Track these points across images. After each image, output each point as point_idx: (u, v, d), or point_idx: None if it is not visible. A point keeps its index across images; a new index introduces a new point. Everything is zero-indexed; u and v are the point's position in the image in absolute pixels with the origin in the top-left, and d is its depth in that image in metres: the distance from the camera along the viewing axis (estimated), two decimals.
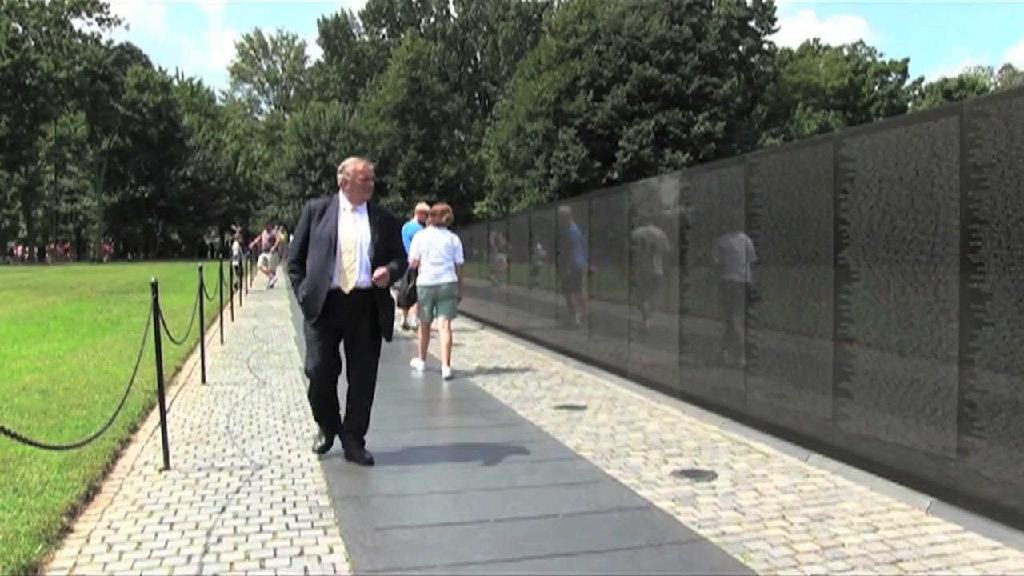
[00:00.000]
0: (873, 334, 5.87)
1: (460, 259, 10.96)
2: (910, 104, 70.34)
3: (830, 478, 5.96)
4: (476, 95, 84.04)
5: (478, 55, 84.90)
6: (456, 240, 11.01)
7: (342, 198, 6.51)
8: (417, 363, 11.40)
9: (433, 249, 10.78)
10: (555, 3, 77.47)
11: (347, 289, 6.29)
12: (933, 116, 5.48)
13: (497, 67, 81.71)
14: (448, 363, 10.73)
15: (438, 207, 11.35)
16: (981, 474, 4.98)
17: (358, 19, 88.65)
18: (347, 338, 6.46)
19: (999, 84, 68.54)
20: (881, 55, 76.90)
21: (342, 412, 6.71)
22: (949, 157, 5.21)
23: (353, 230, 6.37)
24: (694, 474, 6.09)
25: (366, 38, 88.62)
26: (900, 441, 5.60)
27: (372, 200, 6.70)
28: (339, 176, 6.53)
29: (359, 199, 6.50)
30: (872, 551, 4.59)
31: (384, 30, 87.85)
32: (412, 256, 10.72)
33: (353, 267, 6.29)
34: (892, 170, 5.68)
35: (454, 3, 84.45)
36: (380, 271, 6.30)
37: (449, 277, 10.82)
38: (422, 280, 10.87)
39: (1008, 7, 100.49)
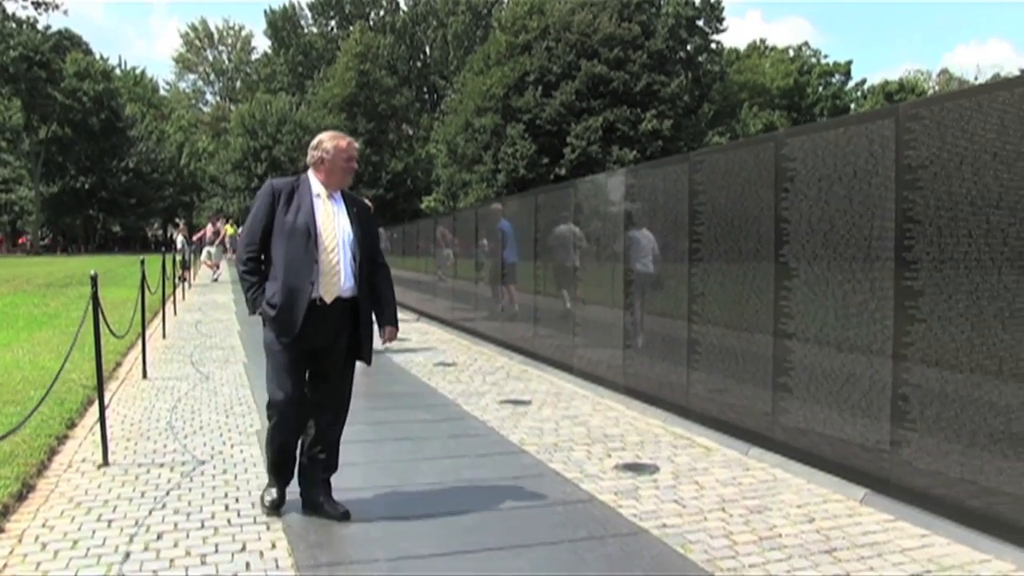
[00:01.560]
0: (812, 330, 6.00)
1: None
2: (852, 105, 71.51)
3: (770, 471, 6.08)
4: (425, 89, 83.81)
5: (427, 49, 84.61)
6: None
7: (314, 181, 5.06)
8: None
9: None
10: None
11: (329, 298, 4.88)
12: (870, 118, 5.62)
13: (446, 61, 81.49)
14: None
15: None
16: (913, 465, 5.12)
17: (306, 11, 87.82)
18: (320, 361, 5.01)
19: (937, 88, 70.04)
20: (826, 57, 78.09)
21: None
22: (885, 158, 5.34)
23: (333, 222, 4.98)
24: (636, 468, 6.17)
25: (314, 30, 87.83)
26: (837, 434, 5.73)
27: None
28: (312, 153, 5.10)
29: (337, 184, 5.10)
30: (808, 541, 4.71)
31: (333, 22, 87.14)
32: None
33: (336, 270, 4.90)
34: (831, 170, 5.81)
35: None
36: (389, 330, 5.21)
37: None
38: None
39: (946, 14, 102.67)
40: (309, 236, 4.84)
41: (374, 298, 5.17)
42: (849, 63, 74.95)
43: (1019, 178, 4.47)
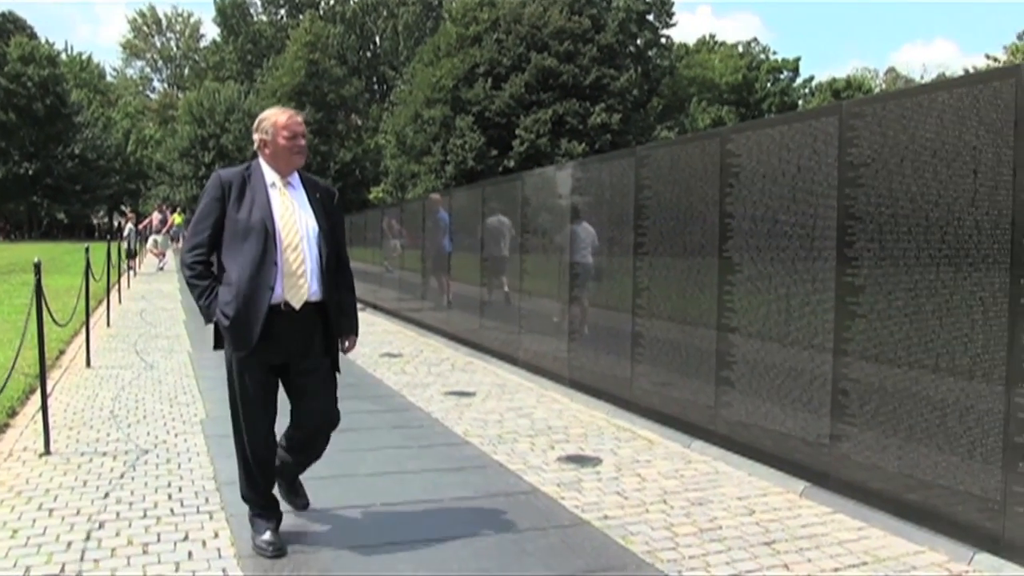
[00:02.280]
0: (755, 325, 6.05)
1: None
2: (800, 102, 72.37)
3: (711, 464, 6.13)
4: (374, 80, 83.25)
5: (377, 39, 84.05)
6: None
7: (265, 169, 4.40)
8: None
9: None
10: None
11: (297, 303, 4.27)
12: (814, 115, 5.68)
13: (396, 52, 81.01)
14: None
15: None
16: (851, 459, 5.19)
17: None
18: (293, 374, 4.44)
19: (883, 85, 71.20)
20: (775, 53, 78.92)
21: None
22: (828, 155, 5.40)
23: (293, 215, 4.32)
24: (580, 460, 6.19)
25: (264, 18, 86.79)
26: (778, 428, 5.79)
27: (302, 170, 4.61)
28: (255, 136, 4.45)
29: (287, 168, 4.41)
30: (747, 533, 4.75)
31: (283, 11, 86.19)
32: None
33: (302, 270, 4.27)
34: (775, 166, 5.86)
35: None
36: (351, 339, 4.67)
37: None
38: None
39: (894, 14, 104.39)
40: (267, 234, 4.18)
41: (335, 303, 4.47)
42: (797, 60, 75.84)
43: (957, 177, 4.55)
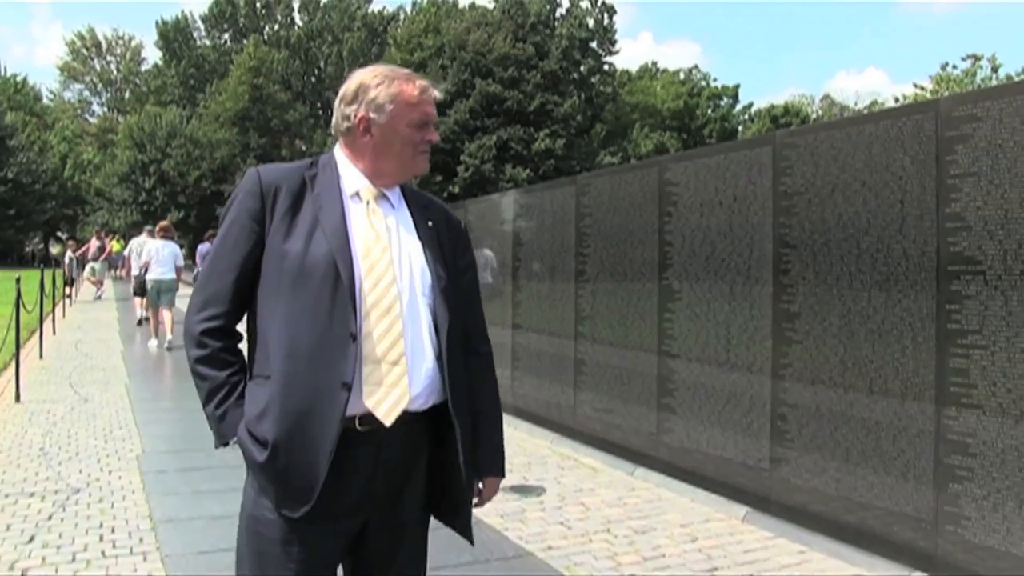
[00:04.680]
0: (695, 351, 6.13)
1: (180, 263, 15.29)
2: (740, 128, 73.49)
3: (655, 491, 6.17)
4: (319, 105, 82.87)
5: (322, 64, 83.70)
6: (177, 249, 15.58)
7: (346, 168, 2.53)
8: (152, 343, 14.82)
9: (160, 255, 14.87)
10: (401, 16, 77.33)
11: (388, 416, 2.32)
12: (749, 145, 5.80)
13: (341, 77, 79.78)
14: (171, 332, 14.22)
15: (163, 224, 15.92)
16: (791, 482, 5.27)
17: (199, 23, 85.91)
18: (371, 534, 2.46)
19: (820, 112, 72.59)
20: (715, 80, 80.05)
21: None
22: (763, 184, 5.51)
23: (388, 250, 2.44)
24: (523, 490, 6.19)
25: (207, 42, 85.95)
26: (720, 453, 5.86)
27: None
28: (347, 109, 2.52)
29: (398, 175, 2.57)
30: (691, 560, 4.79)
31: (226, 35, 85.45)
32: (143, 259, 15.31)
33: (399, 352, 2.36)
34: (712, 195, 5.96)
35: (299, 11, 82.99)
36: (488, 483, 2.68)
37: (171, 275, 14.89)
38: (152, 276, 14.82)
39: (827, 44, 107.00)
40: (338, 282, 2.31)
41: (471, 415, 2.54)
42: (737, 87, 77.08)
43: (886, 206, 4.67)
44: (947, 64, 42.37)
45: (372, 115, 2.46)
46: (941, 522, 4.35)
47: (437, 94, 2.56)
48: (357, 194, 2.47)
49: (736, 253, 5.73)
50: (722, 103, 77.96)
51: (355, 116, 2.48)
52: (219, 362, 2.38)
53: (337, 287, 2.29)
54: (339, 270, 2.29)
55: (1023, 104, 4.07)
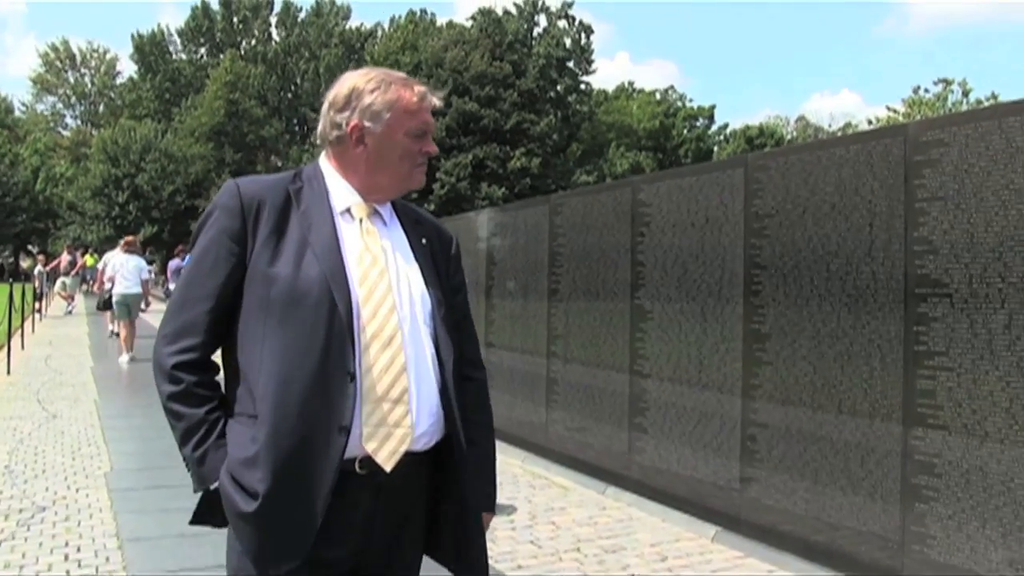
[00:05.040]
0: (666, 371, 6.16)
1: (145, 276, 15.73)
2: (716, 148, 74.01)
3: (625, 510, 6.18)
4: (295, 121, 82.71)
5: (299, 80, 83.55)
6: (143, 263, 15.95)
7: (335, 181, 2.28)
8: (122, 358, 14.82)
9: (125, 269, 15.11)
10: (378, 33, 77.43)
11: (389, 460, 2.09)
12: (721, 167, 5.86)
13: (318, 93, 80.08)
14: (131, 348, 14.74)
15: (128, 239, 16.20)
16: (761, 502, 5.30)
17: (175, 36, 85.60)
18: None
19: (794, 133, 73.23)
20: (691, 100, 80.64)
21: None
22: (735, 206, 5.56)
23: (386, 274, 2.20)
24: None
25: (183, 56, 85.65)
26: (691, 473, 5.88)
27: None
28: (335, 119, 2.25)
29: (393, 190, 2.33)
30: None
31: (203, 49, 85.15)
32: (108, 274, 15.60)
33: (402, 389, 2.12)
34: (685, 216, 6.01)
35: (276, 27, 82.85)
36: (484, 518, 2.43)
37: (136, 289, 15.21)
38: (118, 290, 15.06)
39: (802, 66, 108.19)
40: (333, 312, 2.07)
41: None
42: (712, 107, 77.65)
43: (855, 229, 4.73)
44: (919, 88, 42.90)
45: (367, 123, 2.21)
46: (907, 541, 4.39)
47: (436, 101, 2.35)
48: (348, 211, 2.23)
49: (708, 274, 5.77)
50: (698, 123, 78.51)
51: (347, 124, 2.22)
52: (195, 398, 2.11)
53: (333, 317, 2.05)
54: (335, 297, 2.06)
55: (988, 130, 4.14)
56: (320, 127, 2.30)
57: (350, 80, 2.28)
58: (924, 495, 4.32)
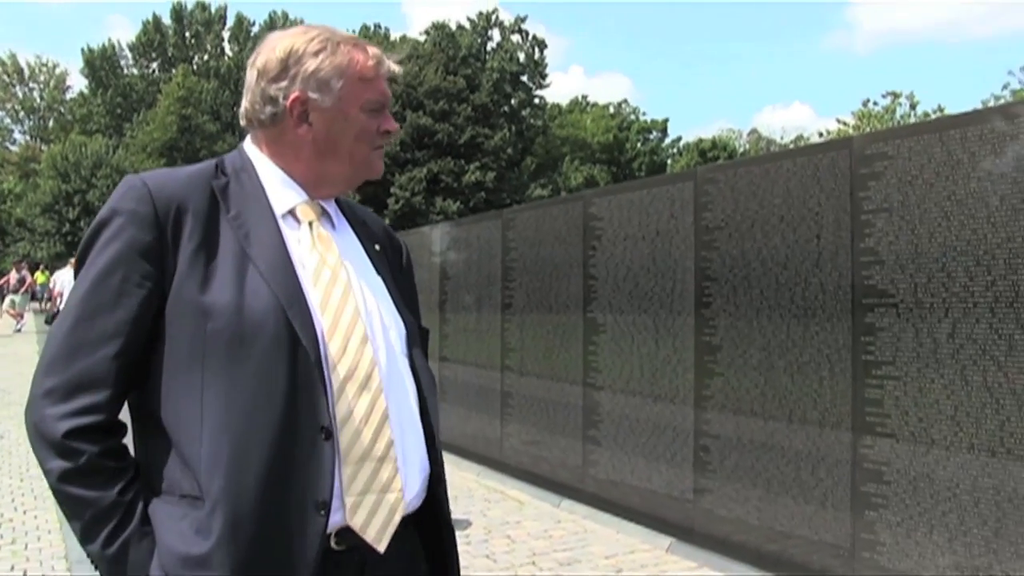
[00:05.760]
0: (619, 383, 6.18)
1: None
2: (669, 161, 74.62)
3: (580, 523, 6.19)
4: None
5: None
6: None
7: (270, 174, 1.74)
8: None
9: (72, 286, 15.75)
10: None
11: (382, 541, 1.62)
12: (671, 180, 5.92)
13: None
14: None
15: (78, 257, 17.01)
16: (715, 513, 5.33)
17: (127, 51, 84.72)
18: None
19: (747, 145, 74.12)
20: (644, 114, 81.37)
21: None
22: (685, 219, 5.61)
23: (348, 294, 1.68)
24: None
25: (135, 71, 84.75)
26: (645, 485, 5.90)
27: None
28: (272, 88, 1.70)
29: (346, 181, 1.83)
30: None
31: (155, 64, 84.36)
32: (57, 290, 15.55)
33: (387, 442, 1.64)
34: (636, 229, 6.05)
35: (229, 41, 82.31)
36: None
37: None
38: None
39: (754, 79, 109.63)
40: (296, 348, 1.58)
41: None
42: (666, 120, 78.35)
43: (803, 241, 4.79)
44: (868, 100, 43.57)
45: (312, 95, 1.70)
46: (858, 549, 4.44)
47: (394, 67, 1.83)
48: (292, 213, 1.72)
49: (659, 286, 5.81)
50: (651, 136, 79.18)
51: (286, 97, 1.70)
52: (102, 475, 1.54)
53: (296, 355, 1.55)
54: (295, 329, 1.55)
55: (930, 143, 4.22)
56: (246, 104, 1.78)
57: (284, 40, 1.73)
58: (873, 503, 4.38)
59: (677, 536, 5.58)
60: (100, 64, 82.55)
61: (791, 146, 48.30)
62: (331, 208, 1.83)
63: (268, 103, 1.72)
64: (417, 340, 1.85)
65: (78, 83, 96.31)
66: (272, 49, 1.73)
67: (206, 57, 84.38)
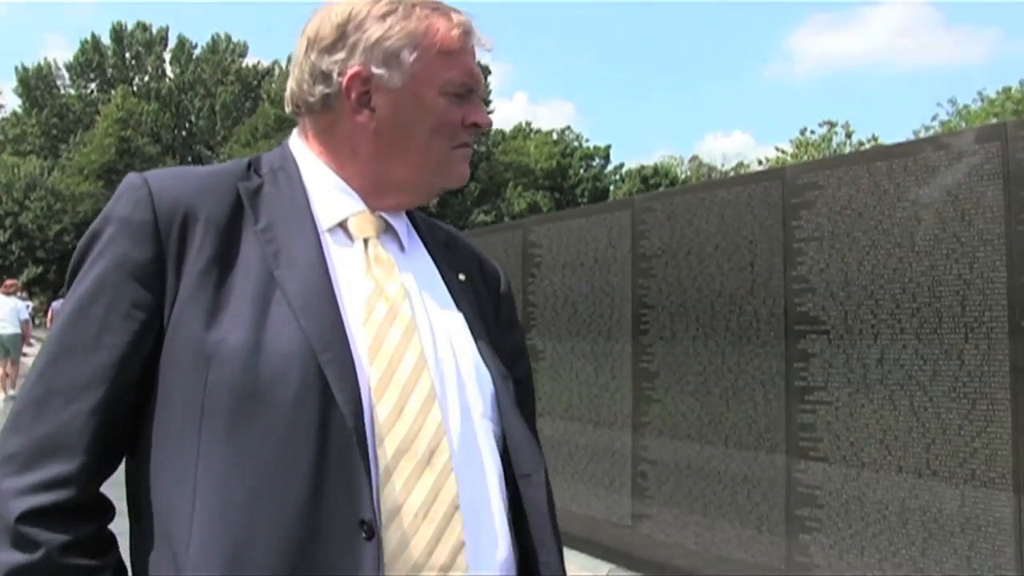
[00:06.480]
0: (559, 409, 6.22)
1: (24, 317, 15.83)
2: (611, 187, 75.28)
3: None
4: (190, 159, 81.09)
5: (193, 118, 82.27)
6: (20, 303, 16.12)
7: (317, 176, 1.33)
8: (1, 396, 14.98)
9: (2, 311, 15.25)
10: (276, 71, 76.87)
11: None
12: (609, 208, 6.01)
13: (213, 131, 79.58)
14: (15, 388, 14.23)
15: (8, 282, 16.43)
16: (653, 538, 5.38)
17: (63, 71, 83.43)
18: None
19: (688, 173, 75.05)
20: (587, 140, 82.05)
21: None
22: (623, 246, 5.69)
23: (411, 335, 1.24)
24: None
25: (72, 91, 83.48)
26: (584, 511, 5.93)
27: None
28: (327, 61, 1.30)
29: (418, 188, 1.40)
30: None
31: (93, 85, 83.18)
32: None
33: (455, 545, 1.18)
34: (574, 256, 6.11)
35: (171, 63, 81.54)
36: None
37: (11, 330, 15.28)
38: None
39: (696, 107, 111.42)
40: (330, 409, 1.13)
41: None
42: (608, 147, 79.08)
43: (737, 269, 4.88)
44: (806, 129, 44.41)
45: (376, 70, 1.29)
46: (793, 571, 4.50)
47: (486, 40, 1.39)
48: (343, 226, 1.32)
49: (597, 314, 5.87)
50: (594, 163, 79.83)
51: (340, 73, 1.30)
52: (66, 567, 1.12)
53: (327, 420, 1.13)
54: (330, 384, 1.14)
55: (858, 174, 4.34)
56: (292, 84, 1.38)
57: (343, 4, 1.33)
58: (807, 525, 4.45)
59: (616, 562, 5.60)
60: (35, 83, 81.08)
61: (731, 173, 49.14)
62: (399, 224, 1.40)
63: (319, 81, 1.32)
64: (510, 398, 1.34)
65: (11, 102, 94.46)
66: (328, 12, 1.33)
67: (147, 78, 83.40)
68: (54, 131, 79.12)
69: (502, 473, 1.31)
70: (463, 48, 1.33)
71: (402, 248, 1.38)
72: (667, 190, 8.80)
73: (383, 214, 1.36)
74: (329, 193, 1.33)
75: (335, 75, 1.29)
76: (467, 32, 1.34)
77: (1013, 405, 3.60)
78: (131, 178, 1.27)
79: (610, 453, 5.73)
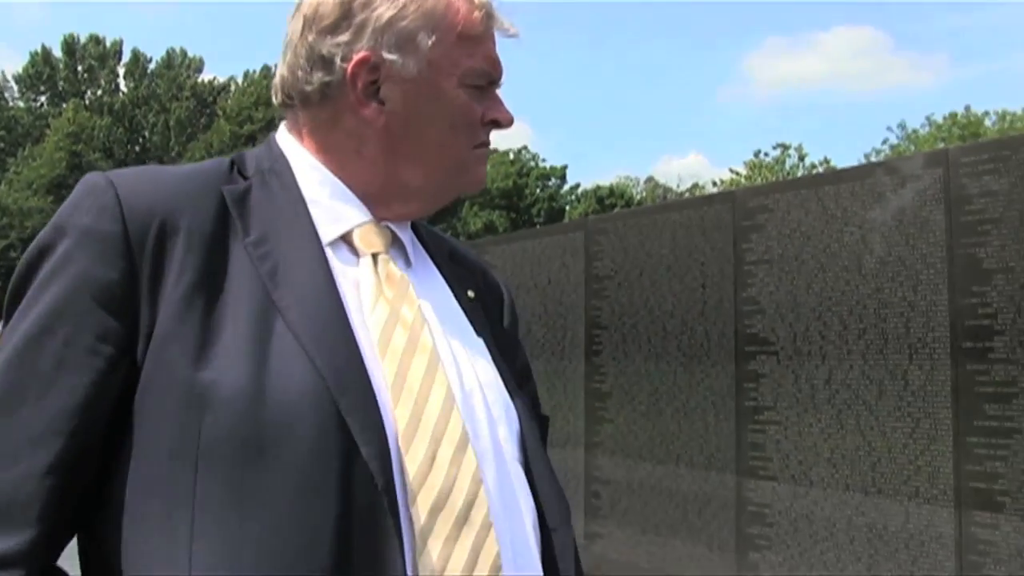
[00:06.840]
0: None
1: None
2: (568, 207, 75.55)
3: None
4: None
5: (147, 133, 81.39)
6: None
7: (313, 179, 1.12)
8: None
9: None
10: (232, 88, 76.42)
11: None
12: (563, 230, 6.07)
13: (167, 147, 78.75)
14: None
15: None
16: (607, 557, 5.40)
17: (12, 83, 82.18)
18: None
19: (644, 193, 75.59)
20: (544, 161, 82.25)
21: None
22: (576, 267, 5.74)
23: (436, 369, 1.04)
24: None
25: (21, 104, 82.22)
26: None
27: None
28: (328, 44, 1.09)
29: (431, 193, 1.20)
30: None
31: (43, 98, 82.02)
32: None
33: None
34: (528, 277, 6.15)
35: (124, 77, 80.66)
36: None
37: None
38: None
39: (652, 129, 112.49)
40: (353, 462, 0.94)
41: None
42: (565, 167, 79.29)
43: (688, 290, 4.95)
44: (760, 151, 44.98)
45: (388, 56, 1.11)
46: None
47: (510, 26, 1.21)
48: (346, 240, 1.13)
49: (551, 334, 5.91)
50: (551, 183, 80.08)
51: (345, 58, 1.11)
52: None
53: (350, 477, 0.94)
54: (352, 433, 0.95)
55: (807, 197, 4.42)
56: (282, 71, 1.19)
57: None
58: (757, 544, 4.50)
59: None
60: None
61: (687, 195, 49.61)
62: (405, 235, 1.21)
63: (318, 67, 1.11)
64: (535, 437, 1.21)
65: None
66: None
67: (99, 92, 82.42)
68: (1, 144, 77.85)
69: (537, 523, 1.12)
70: (486, 32, 1.16)
71: (408, 263, 1.19)
72: (620, 212, 8.86)
73: (391, 225, 1.17)
74: (330, 200, 1.12)
75: (338, 61, 1.10)
76: (490, 15, 1.16)
77: (955, 424, 3.68)
78: (92, 179, 1.04)
79: (563, 473, 5.76)
